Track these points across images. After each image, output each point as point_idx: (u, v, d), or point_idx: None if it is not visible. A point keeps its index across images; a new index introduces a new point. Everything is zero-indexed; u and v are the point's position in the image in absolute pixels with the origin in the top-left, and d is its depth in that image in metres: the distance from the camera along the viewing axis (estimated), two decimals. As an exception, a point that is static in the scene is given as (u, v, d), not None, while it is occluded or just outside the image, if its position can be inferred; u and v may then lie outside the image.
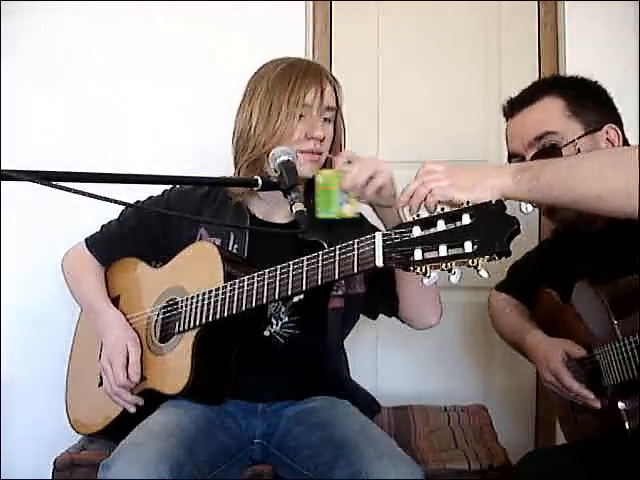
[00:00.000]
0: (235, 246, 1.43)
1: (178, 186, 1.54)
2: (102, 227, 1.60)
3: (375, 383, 2.16)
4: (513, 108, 1.39)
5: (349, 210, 1.22)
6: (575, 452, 1.30)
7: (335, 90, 1.42)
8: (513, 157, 1.38)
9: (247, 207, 1.47)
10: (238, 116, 1.43)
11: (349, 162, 1.27)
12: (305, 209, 1.16)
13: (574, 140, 1.29)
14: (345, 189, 1.23)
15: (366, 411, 1.41)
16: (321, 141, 1.37)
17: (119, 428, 1.33)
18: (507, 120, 1.42)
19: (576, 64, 2.04)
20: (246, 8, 2.10)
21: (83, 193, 0.89)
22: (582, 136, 1.30)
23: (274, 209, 1.47)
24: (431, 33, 2.20)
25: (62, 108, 2.16)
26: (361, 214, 1.36)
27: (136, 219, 1.53)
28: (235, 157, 1.44)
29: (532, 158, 1.31)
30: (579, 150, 1.28)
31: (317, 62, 1.45)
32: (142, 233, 1.52)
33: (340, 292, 1.42)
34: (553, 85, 1.39)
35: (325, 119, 1.40)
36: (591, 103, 1.34)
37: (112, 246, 1.57)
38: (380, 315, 1.55)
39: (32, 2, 2.13)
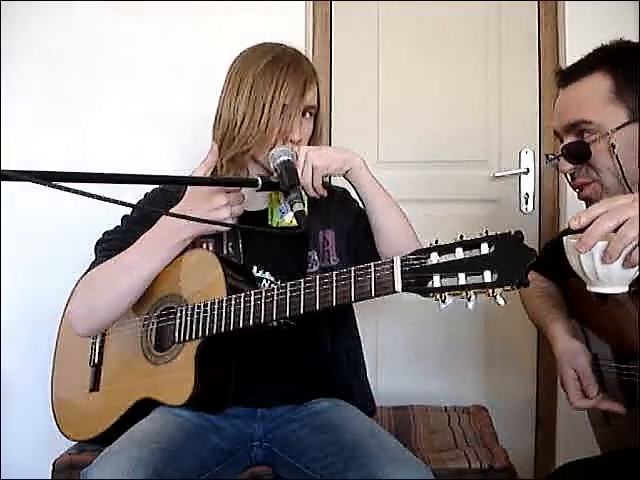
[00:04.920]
0: (230, 244, 1.41)
1: (157, 186, 1.49)
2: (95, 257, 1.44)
3: (375, 383, 2.15)
4: (564, 78, 1.22)
5: (289, 217, 1.36)
6: (611, 464, 1.20)
7: (317, 86, 1.40)
8: (555, 135, 1.25)
9: None
10: (223, 103, 1.40)
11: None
12: (305, 209, 1.15)
13: (608, 133, 1.12)
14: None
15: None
16: (299, 142, 1.36)
17: (118, 434, 1.28)
18: (559, 90, 1.24)
19: (576, 64, 2.04)
20: (246, 8, 2.10)
21: (83, 193, 0.88)
22: (621, 126, 1.12)
23: (248, 198, 1.42)
24: (431, 33, 2.20)
25: (62, 108, 2.16)
26: (345, 189, 1.50)
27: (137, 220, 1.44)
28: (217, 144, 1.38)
29: (562, 150, 1.18)
30: (613, 147, 1.11)
31: (300, 53, 1.41)
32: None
33: (315, 268, 1.40)
34: (609, 56, 1.18)
35: (310, 114, 1.39)
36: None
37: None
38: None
39: (32, 2, 2.14)
